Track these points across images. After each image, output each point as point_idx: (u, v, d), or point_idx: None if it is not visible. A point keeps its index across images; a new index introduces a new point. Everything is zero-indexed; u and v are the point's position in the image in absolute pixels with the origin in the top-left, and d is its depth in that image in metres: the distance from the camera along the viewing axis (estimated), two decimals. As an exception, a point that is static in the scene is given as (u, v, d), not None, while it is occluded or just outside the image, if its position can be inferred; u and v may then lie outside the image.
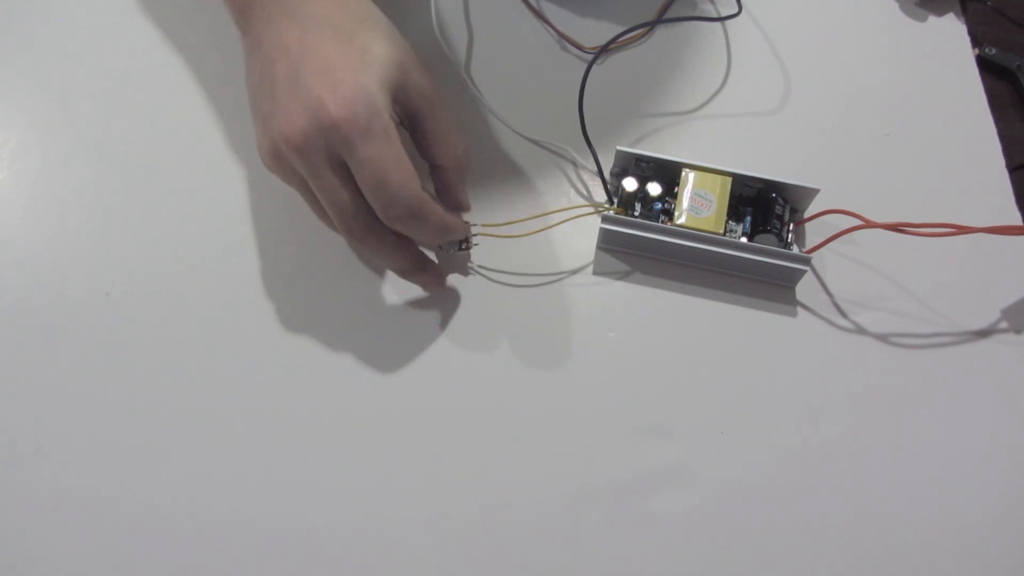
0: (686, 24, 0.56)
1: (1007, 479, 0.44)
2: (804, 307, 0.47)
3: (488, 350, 0.47)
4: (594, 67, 0.49)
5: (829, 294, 0.48)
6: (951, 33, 0.56)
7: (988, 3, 0.57)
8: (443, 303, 0.47)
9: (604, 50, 0.51)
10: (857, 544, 0.43)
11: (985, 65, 0.55)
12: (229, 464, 0.44)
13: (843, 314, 0.47)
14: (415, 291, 0.48)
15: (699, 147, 0.52)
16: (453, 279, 0.48)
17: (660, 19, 0.55)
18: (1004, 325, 0.47)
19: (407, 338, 0.47)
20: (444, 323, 0.47)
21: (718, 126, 0.53)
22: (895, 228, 0.44)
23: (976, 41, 0.55)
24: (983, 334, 0.47)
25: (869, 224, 0.45)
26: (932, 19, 0.56)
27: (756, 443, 0.45)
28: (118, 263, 0.49)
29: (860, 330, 0.47)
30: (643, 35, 0.55)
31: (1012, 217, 0.50)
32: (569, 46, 0.55)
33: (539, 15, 0.56)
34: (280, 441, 0.45)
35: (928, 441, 0.45)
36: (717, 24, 0.56)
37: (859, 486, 0.44)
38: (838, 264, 0.49)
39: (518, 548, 0.43)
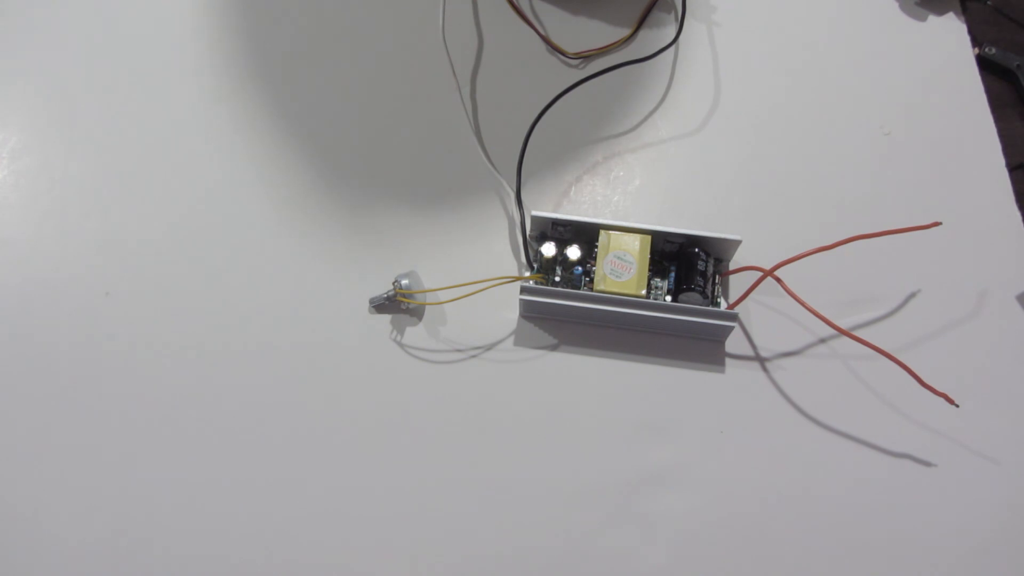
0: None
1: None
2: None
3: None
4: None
5: (754, 346, 0.47)
6: (951, 33, 0.56)
7: (988, 3, 0.57)
8: (437, 317, 0.48)
9: (545, 110, 0.50)
10: (853, 545, 0.43)
11: (985, 65, 0.55)
12: (229, 464, 0.44)
13: (771, 364, 0.46)
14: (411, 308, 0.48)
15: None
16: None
17: (588, 77, 0.52)
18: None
19: (406, 340, 0.47)
20: (448, 336, 0.47)
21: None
22: (782, 268, 0.44)
23: (976, 41, 0.55)
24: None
25: (769, 273, 0.44)
26: (932, 19, 0.56)
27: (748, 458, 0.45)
28: (118, 263, 0.49)
29: (789, 377, 0.46)
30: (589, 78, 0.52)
31: (1012, 216, 0.50)
32: (565, 55, 0.55)
33: (528, 23, 0.55)
34: (278, 441, 0.45)
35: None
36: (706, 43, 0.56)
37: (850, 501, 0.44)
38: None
39: (519, 547, 0.43)
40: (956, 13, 0.57)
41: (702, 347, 0.47)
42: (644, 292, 0.45)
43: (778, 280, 0.45)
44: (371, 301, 0.47)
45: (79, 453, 0.44)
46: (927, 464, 0.44)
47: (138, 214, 0.50)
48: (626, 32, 0.56)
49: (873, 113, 0.53)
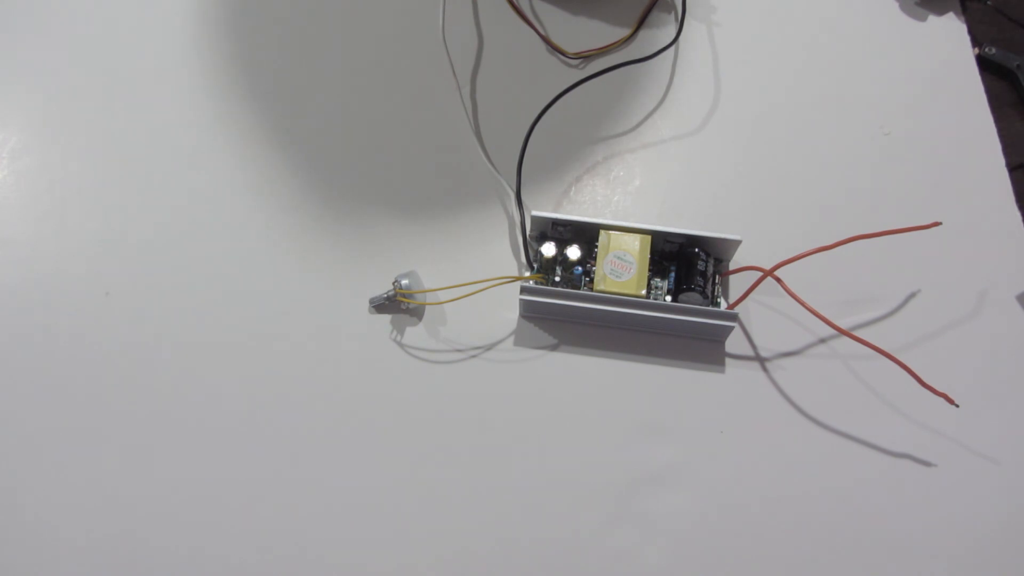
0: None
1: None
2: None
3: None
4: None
5: (754, 346, 0.47)
6: (951, 33, 0.56)
7: (988, 3, 0.57)
8: (437, 318, 0.48)
9: (545, 110, 0.50)
10: (853, 545, 0.43)
11: (985, 65, 0.55)
12: (229, 463, 0.44)
13: (771, 364, 0.46)
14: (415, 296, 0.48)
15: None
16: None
17: (588, 77, 0.52)
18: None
19: (406, 340, 0.47)
20: (449, 337, 0.47)
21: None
22: (782, 267, 0.45)
23: (976, 41, 0.55)
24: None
25: (769, 273, 0.44)
26: (932, 19, 0.56)
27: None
28: (118, 263, 0.49)
29: (789, 377, 0.46)
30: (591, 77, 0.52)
31: (1012, 216, 0.50)
32: (565, 55, 0.55)
33: (528, 23, 0.55)
34: (278, 441, 0.45)
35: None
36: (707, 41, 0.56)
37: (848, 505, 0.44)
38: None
39: (519, 547, 0.43)
40: (956, 13, 0.57)
41: (702, 347, 0.47)
42: (644, 292, 0.45)
43: (778, 280, 0.45)
44: (371, 301, 0.47)
45: (79, 453, 0.44)
46: (927, 464, 0.44)
47: (138, 214, 0.50)
48: (626, 32, 0.56)
49: (873, 113, 0.53)
